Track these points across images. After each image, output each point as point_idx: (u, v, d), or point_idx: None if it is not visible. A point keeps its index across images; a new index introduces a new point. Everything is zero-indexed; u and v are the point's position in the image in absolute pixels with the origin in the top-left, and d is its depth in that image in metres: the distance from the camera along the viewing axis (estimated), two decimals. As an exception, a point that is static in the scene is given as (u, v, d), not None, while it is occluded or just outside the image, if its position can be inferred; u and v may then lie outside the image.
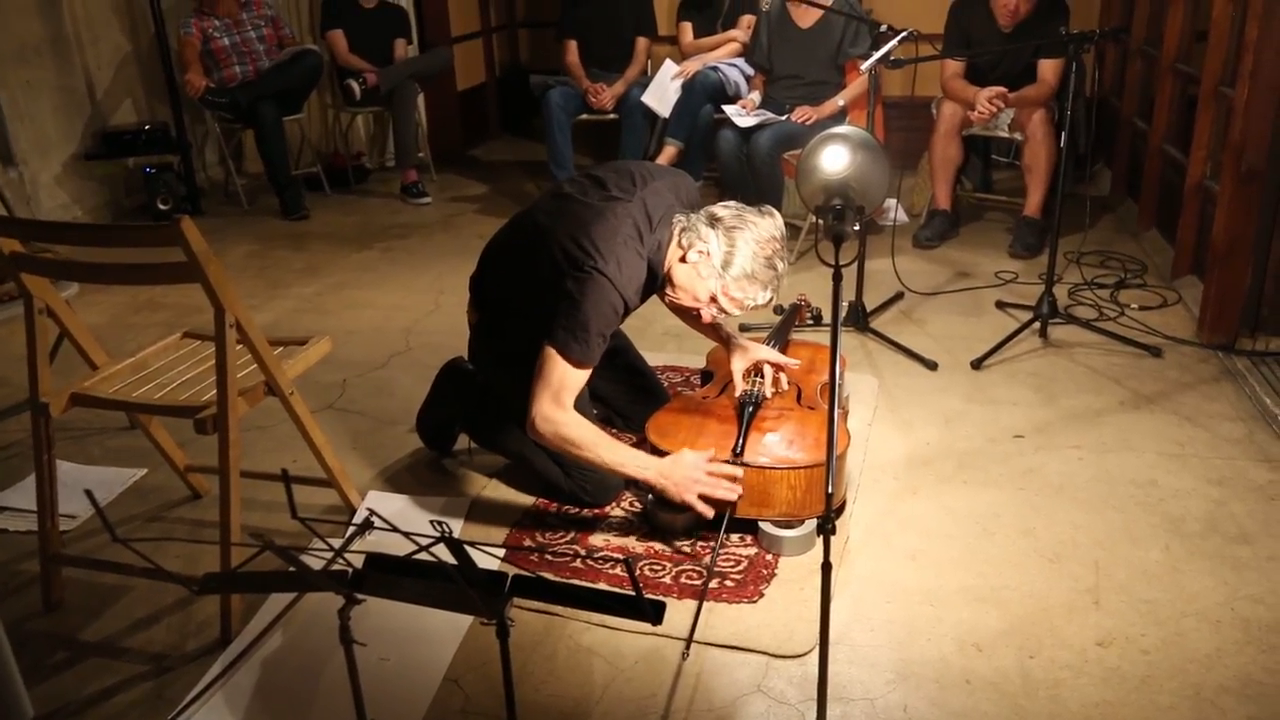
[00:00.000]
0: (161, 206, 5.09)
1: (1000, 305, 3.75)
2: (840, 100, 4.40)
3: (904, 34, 3.18)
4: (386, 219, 5.22)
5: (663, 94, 4.96)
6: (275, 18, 5.54)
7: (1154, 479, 2.59)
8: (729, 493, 2.27)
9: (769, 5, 3.71)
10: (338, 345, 2.71)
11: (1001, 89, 4.15)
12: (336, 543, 1.38)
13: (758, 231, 2.26)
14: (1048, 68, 4.17)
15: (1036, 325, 3.45)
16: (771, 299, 2.35)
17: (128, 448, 2.93)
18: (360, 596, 1.42)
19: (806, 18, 4.37)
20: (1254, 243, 3.17)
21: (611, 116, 5.10)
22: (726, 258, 2.25)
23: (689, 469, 2.27)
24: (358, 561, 1.44)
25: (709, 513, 2.28)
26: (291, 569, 1.40)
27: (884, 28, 3.30)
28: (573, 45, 5.19)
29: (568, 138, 5.02)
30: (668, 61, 5.04)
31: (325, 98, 5.93)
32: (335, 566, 1.42)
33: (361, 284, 4.28)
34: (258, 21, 5.41)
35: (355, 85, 5.34)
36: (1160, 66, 4.25)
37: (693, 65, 4.89)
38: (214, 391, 2.10)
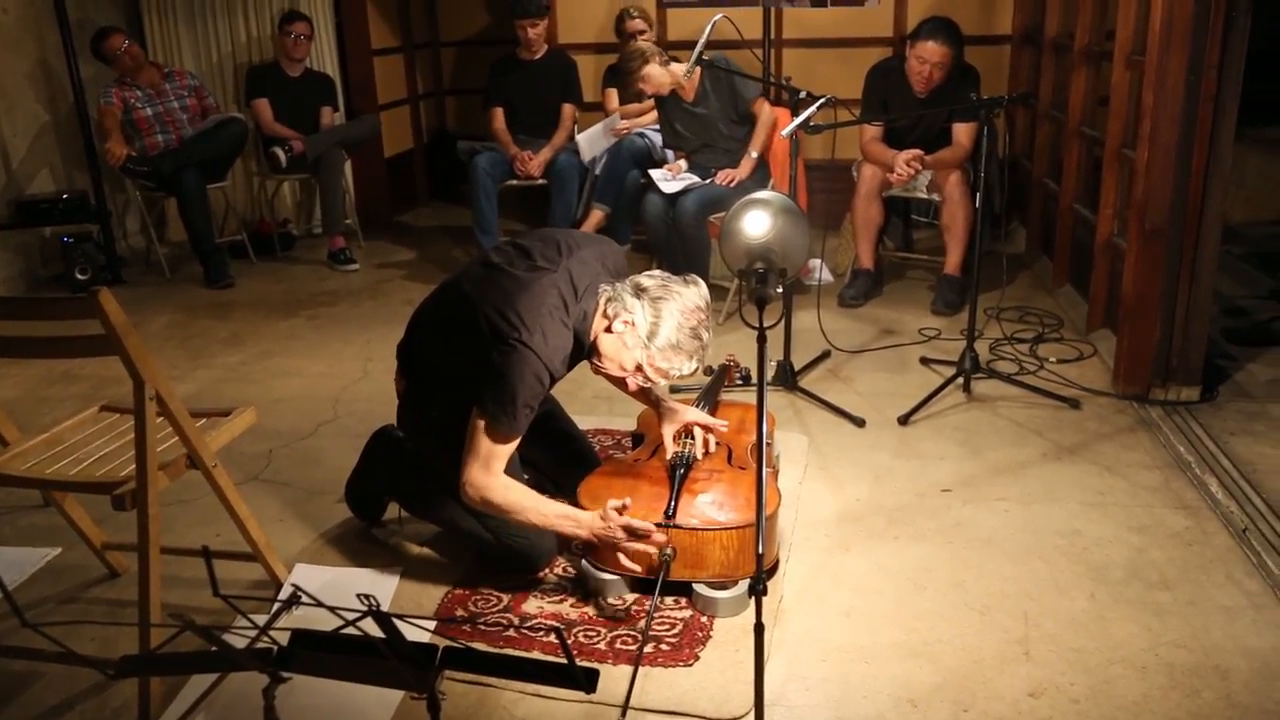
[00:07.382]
0: (80, 276, 4.98)
1: (924, 361, 3.83)
2: (752, 152, 4.41)
3: (822, 100, 3.27)
4: (313, 286, 5.18)
5: (595, 141, 5.07)
6: (199, 87, 5.52)
7: (1077, 528, 2.65)
8: (648, 545, 2.26)
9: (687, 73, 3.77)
10: (264, 415, 2.66)
11: (918, 151, 4.29)
12: (262, 619, 1.35)
13: (683, 302, 2.29)
14: (962, 131, 4.33)
15: (960, 380, 3.53)
16: (697, 368, 2.37)
17: (40, 526, 2.82)
18: (286, 675, 1.38)
19: (689, 89, 4.40)
20: (1161, 297, 3.30)
21: (540, 182, 5.15)
22: (652, 328, 2.27)
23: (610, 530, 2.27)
24: (283, 638, 1.40)
25: (637, 569, 2.29)
26: (213, 648, 1.36)
27: (803, 94, 3.38)
28: (499, 113, 5.24)
29: (493, 203, 5.04)
30: (616, 115, 5.15)
31: (250, 165, 5.89)
32: (260, 644, 1.38)
33: (288, 352, 4.22)
34: (181, 91, 5.39)
35: (280, 153, 5.31)
36: (1067, 130, 4.43)
37: (632, 123, 5.00)
38: (133, 466, 2.04)
